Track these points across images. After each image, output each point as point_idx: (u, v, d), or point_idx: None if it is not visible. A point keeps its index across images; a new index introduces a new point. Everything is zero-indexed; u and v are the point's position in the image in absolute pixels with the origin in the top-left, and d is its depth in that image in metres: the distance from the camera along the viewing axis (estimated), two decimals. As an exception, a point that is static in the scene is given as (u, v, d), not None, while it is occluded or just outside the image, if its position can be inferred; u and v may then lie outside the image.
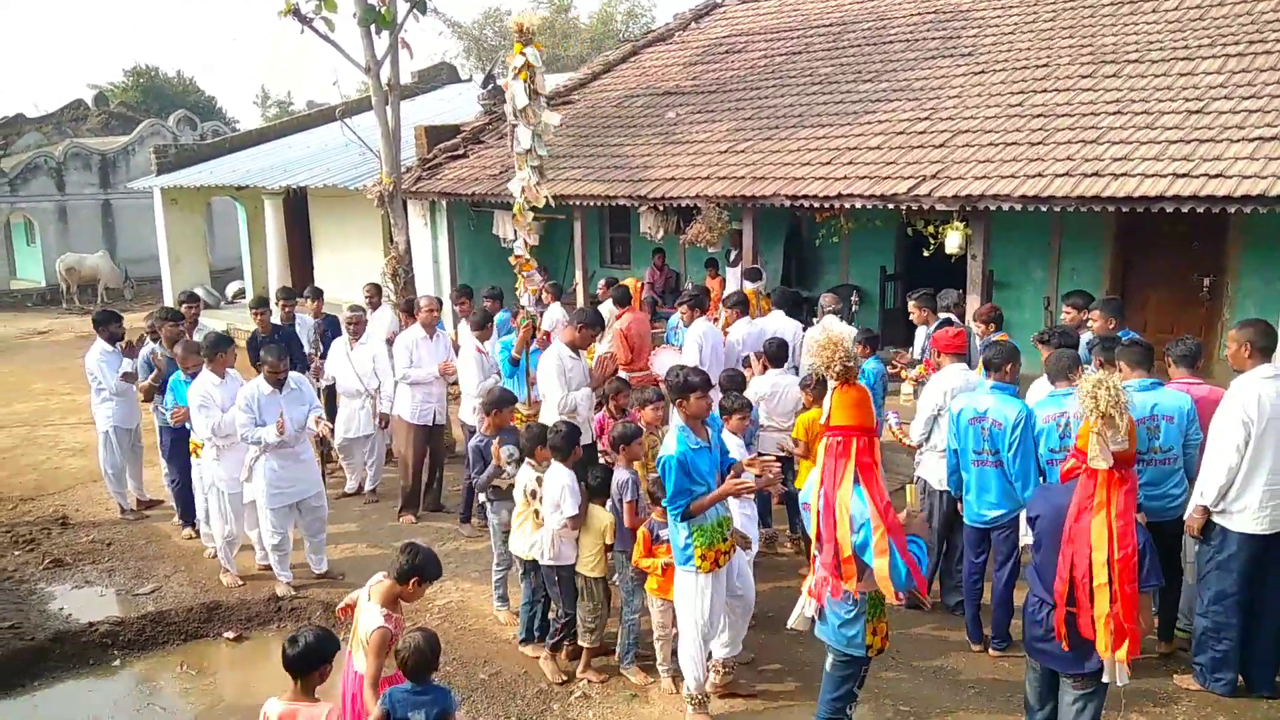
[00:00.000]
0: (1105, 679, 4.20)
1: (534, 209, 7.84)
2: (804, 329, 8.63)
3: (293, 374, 7.38)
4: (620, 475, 5.96)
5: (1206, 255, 10.43)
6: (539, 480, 5.95)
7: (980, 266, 9.31)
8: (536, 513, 5.93)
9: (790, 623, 4.86)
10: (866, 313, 12.44)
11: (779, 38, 14.84)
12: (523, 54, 7.70)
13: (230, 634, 6.95)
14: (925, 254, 9.99)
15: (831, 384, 4.46)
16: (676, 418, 5.42)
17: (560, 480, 5.80)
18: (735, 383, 7.03)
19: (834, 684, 4.68)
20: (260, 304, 9.87)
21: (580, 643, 5.98)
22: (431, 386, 8.71)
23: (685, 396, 5.31)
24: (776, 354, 7.56)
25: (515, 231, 8.09)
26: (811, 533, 4.62)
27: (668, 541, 5.50)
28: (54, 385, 14.85)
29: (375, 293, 10.52)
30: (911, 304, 8.40)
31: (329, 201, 16.90)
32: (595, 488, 6.05)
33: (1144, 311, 10.92)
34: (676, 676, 5.72)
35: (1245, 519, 5.24)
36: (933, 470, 6.43)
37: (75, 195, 25.49)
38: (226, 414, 7.15)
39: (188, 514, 8.36)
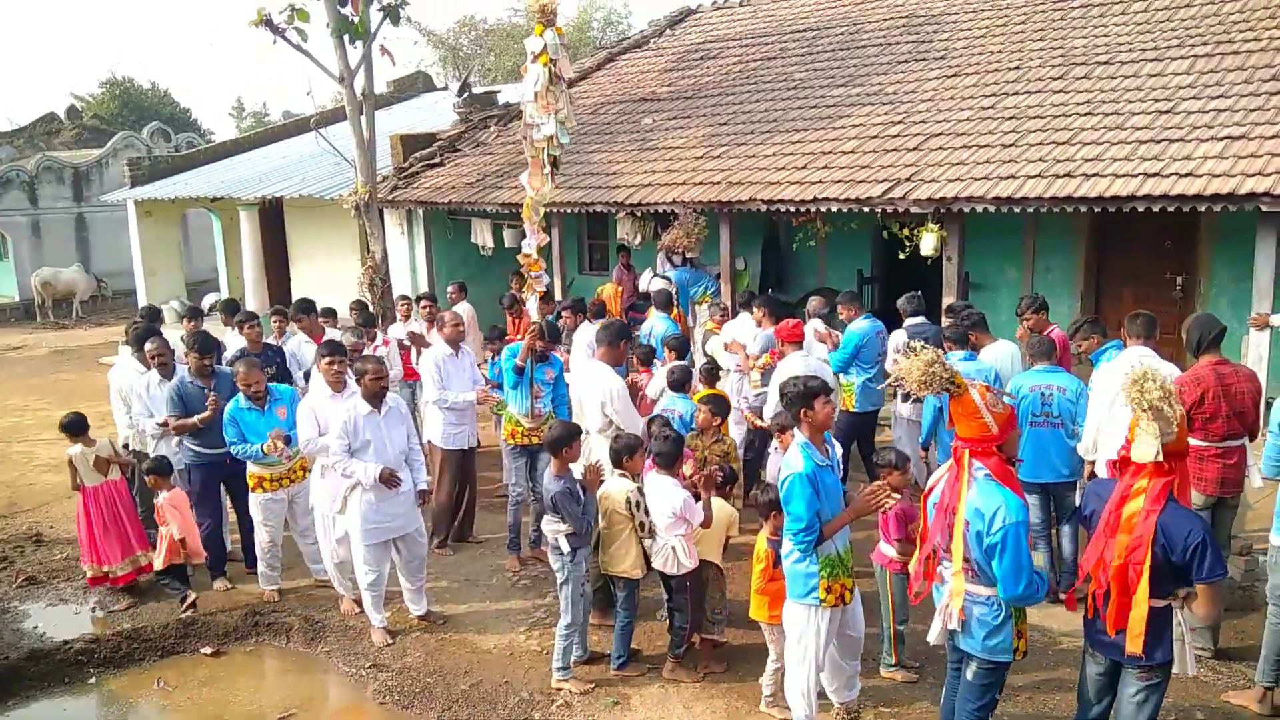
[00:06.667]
0: (1176, 670, 4.09)
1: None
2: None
3: (390, 393, 6.66)
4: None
5: (1179, 254, 10.53)
6: (639, 490, 5.80)
7: (956, 268, 9.38)
8: (642, 525, 5.75)
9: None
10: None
11: (753, 44, 14.90)
12: (542, 37, 7.43)
13: (208, 649, 6.87)
14: (901, 257, 10.04)
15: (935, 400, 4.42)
16: (798, 434, 4.91)
17: (676, 494, 5.68)
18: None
19: (978, 693, 4.42)
20: (250, 318, 8.82)
21: (708, 636, 5.95)
22: (464, 409, 7.97)
23: (809, 405, 4.80)
24: (678, 347, 8.07)
25: (525, 233, 7.82)
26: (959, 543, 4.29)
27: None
28: (28, 401, 14.70)
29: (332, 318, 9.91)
30: (839, 304, 8.66)
31: (305, 212, 16.81)
32: (719, 484, 6.03)
33: (1119, 310, 10.98)
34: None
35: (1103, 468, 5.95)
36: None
37: (48, 209, 25.25)
38: (322, 438, 6.58)
39: (218, 563, 7.60)
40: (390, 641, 6.61)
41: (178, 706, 6.34)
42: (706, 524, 5.79)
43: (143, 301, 19.65)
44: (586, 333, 8.86)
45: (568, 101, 7.61)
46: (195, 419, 7.26)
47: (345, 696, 6.36)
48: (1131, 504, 4.08)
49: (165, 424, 7.43)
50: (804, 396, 4.83)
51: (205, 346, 7.55)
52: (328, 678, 6.54)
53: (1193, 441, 5.52)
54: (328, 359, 6.90)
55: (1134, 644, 4.04)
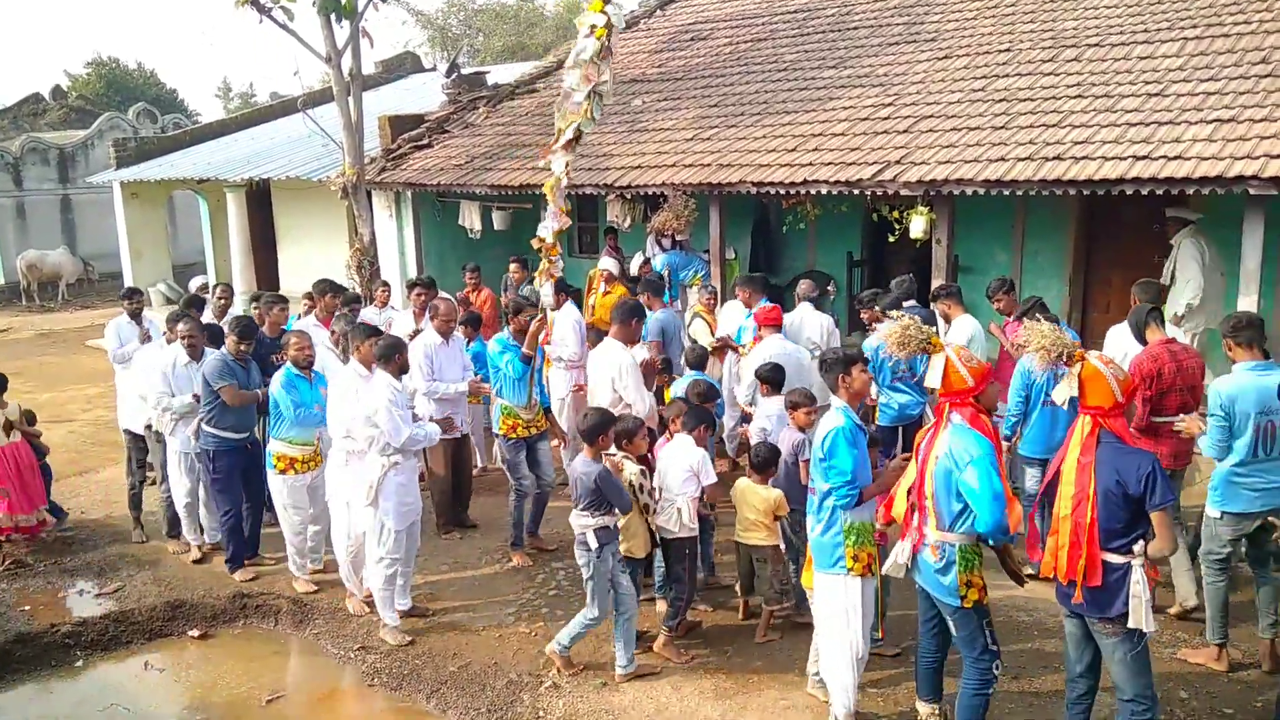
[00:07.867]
0: (1131, 624, 4.25)
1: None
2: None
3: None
4: (795, 436, 6.00)
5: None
6: (643, 472, 5.88)
7: (945, 251, 9.37)
8: (647, 507, 5.84)
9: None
10: (835, 298, 12.47)
11: (744, 25, 14.83)
12: (604, 11, 7.46)
13: (195, 632, 6.87)
14: (891, 239, 10.03)
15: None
16: (836, 400, 5.05)
17: (695, 452, 5.98)
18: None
19: (967, 642, 4.66)
20: (279, 300, 8.71)
21: (767, 607, 6.11)
22: (455, 398, 8.02)
23: (848, 371, 5.01)
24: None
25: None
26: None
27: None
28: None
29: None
30: (737, 288, 8.74)
31: (292, 194, 16.71)
32: (758, 465, 6.12)
33: (1108, 294, 11.02)
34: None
35: None
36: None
37: (33, 190, 25.04)
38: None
39: (238, 554, 7.44)
40: (409, 640, 6.40)
41: (166, 689, 6.34)
42: (714, 492, 6.18)
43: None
44: (571, 311, 8.81)
45: (611, 75, 7.65)
46: (257, 391, 7.25)
47: (333, 679, 6.36)
48: (1070, 453, 4.45)
49: (198, 397, 7.36)
50: (842, 363, 5.07)
51: (247, 331, 7.50)
52: (316, 660, 6.55)
53: (1151, 418, 6.05)
54: (371, 339, 6.72)
55: (1078, 593, 4.35)
